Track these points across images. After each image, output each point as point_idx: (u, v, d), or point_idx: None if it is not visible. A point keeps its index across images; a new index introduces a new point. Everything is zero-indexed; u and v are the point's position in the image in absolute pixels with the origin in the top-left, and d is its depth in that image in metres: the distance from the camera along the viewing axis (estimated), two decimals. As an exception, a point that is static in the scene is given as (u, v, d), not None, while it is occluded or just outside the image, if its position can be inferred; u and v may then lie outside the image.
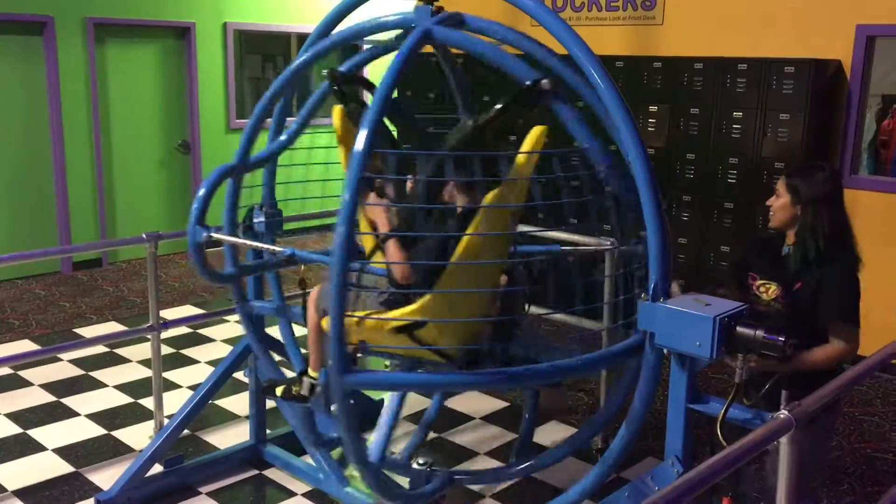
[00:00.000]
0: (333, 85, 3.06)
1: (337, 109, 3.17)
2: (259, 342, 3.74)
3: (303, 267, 3.19)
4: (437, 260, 2.63)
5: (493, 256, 2.75)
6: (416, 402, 4.94)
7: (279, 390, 3.28)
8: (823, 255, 2.82)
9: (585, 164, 2.74)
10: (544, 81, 2.67)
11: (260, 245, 3.61)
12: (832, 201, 2.85)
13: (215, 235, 3.16)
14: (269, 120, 3.55)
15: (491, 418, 4.63)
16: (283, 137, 3.50)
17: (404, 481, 3.45)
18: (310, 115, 3.50)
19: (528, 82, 2.71)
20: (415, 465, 3.25)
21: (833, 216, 2.84)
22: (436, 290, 2.61)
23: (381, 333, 2.68)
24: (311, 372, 3.19)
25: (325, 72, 3.11)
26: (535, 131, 2.77)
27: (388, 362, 4.86)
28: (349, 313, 2.58)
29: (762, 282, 2.96)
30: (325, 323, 2.89)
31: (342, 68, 3.17)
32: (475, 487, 3.90)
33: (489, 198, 2.65)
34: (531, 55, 2.85)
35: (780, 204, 2.91)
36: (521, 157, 2.76)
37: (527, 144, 2.76)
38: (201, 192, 3.15)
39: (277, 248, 3.25)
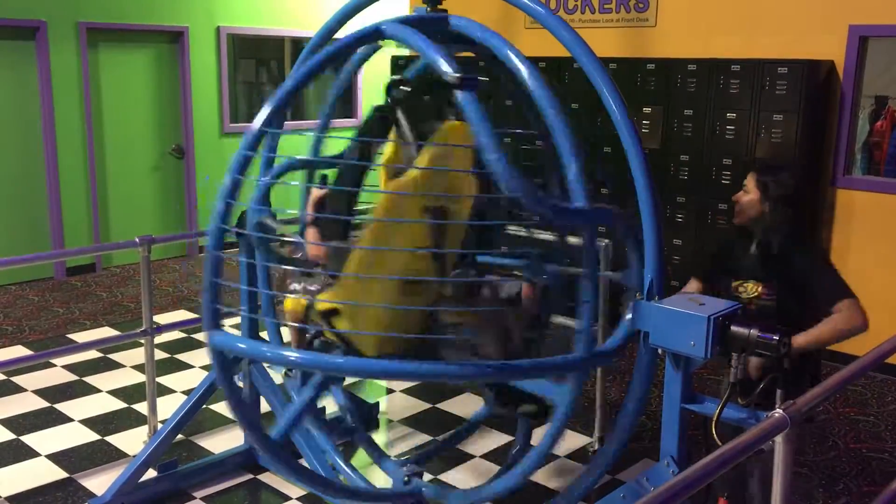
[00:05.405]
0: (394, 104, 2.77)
1: (391, 146, 2.81)
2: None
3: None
4: (342, 242, 2.64)
5: (404, 246, 2.63)
6: (412, 406, 4.92)
7: None
8: (785, 252, 2.88)
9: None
10: (455, 74, 2.37)
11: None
12: (793, 201, 2.92)
13: (271, 222, 3.00)
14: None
15: (487, 421, 4.61)
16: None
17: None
18: (331, 115, 3.72)
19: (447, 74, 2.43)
20: (405, 471, 3.24)
21: (791, 214, 2.90)
22: (345, 273, 2.58)
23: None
24: None
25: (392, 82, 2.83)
26: (447, 126, 2.70)
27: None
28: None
29: (738, 282, 2.97)
30: (288, 303, 2.93)
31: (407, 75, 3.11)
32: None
33: (393, 184, 2.65)
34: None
35: (748, 200, 2.96)
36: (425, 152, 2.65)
37: (438, 137, 2.68)
38: (268, 179, 3.11)
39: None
